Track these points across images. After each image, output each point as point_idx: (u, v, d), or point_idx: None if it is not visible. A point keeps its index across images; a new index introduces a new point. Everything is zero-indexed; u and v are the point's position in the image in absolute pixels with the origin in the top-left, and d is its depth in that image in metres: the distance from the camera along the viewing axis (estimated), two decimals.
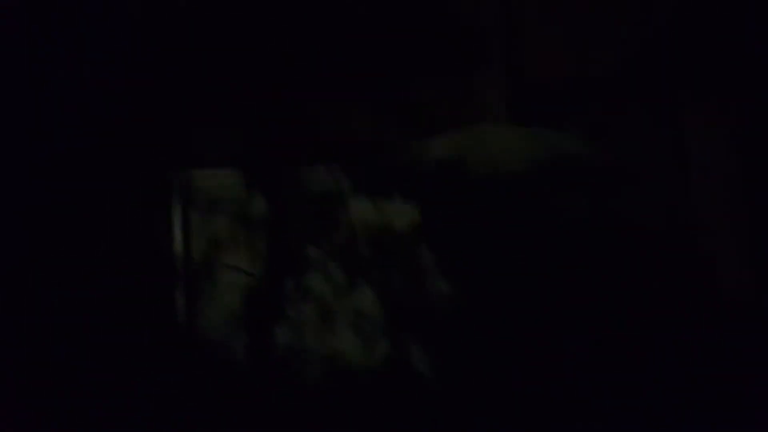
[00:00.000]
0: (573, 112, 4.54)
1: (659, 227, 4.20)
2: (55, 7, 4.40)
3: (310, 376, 4.40)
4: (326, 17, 4.59)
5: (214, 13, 4.60)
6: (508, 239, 4.03)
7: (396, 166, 4.31)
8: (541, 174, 3.91)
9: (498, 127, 4.14)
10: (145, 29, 4.60)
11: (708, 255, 4.11)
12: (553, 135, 4.10)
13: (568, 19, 4.57)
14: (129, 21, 4.58)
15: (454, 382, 4.09)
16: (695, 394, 3.95)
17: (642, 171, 4.32)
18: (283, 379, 4.39)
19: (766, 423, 3.90)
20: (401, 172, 4.31)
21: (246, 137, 4.60)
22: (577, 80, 4.54)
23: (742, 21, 4.38)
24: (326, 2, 4.60)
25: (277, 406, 4.38)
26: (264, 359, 4.44)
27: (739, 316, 3.96)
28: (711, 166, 4.31)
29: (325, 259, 4.48)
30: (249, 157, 4.59)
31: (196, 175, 4.62)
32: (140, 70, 4.59)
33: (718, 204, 4.20)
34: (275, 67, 4.59)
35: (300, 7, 4.62)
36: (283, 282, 4.50)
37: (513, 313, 4.05)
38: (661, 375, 3.98)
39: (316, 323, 4.47)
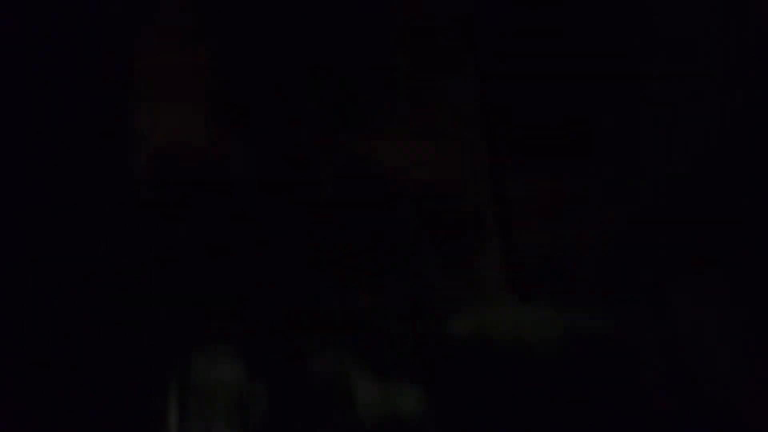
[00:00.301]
0: (571, 286, 4.61)
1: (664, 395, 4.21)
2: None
3: None
4: (325, 206, 4.63)
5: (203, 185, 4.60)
6: (527, 420, 3.96)
7: (403, 345, 4.24)
8: (558, 353, 3.91)
9: (509, 305, 4.16)
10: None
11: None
12: (562, 311, 4.13)
13: (558, 199, 4.72)
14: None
15: None
16: None
17: (644, 342, 4.36)
18: None
19: None
20: (409, 352, 4.24)
21: (245, 318, 4.49)
22: (572, 256, 4.64)
23: (724, 198, 4.57)
24: (324, 193, 4.65)
25: None
26: None
27: None
28: (704, 335, 4.39)
29: None
30: (249, 339, 4.47)
31: (194, 359, 4.45)
32: (134, 253, 4.49)
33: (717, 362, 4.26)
34: (272, 245, 4.56)
35: (292, 197, 4.65)
36: None
37: None
38: None
39: None
